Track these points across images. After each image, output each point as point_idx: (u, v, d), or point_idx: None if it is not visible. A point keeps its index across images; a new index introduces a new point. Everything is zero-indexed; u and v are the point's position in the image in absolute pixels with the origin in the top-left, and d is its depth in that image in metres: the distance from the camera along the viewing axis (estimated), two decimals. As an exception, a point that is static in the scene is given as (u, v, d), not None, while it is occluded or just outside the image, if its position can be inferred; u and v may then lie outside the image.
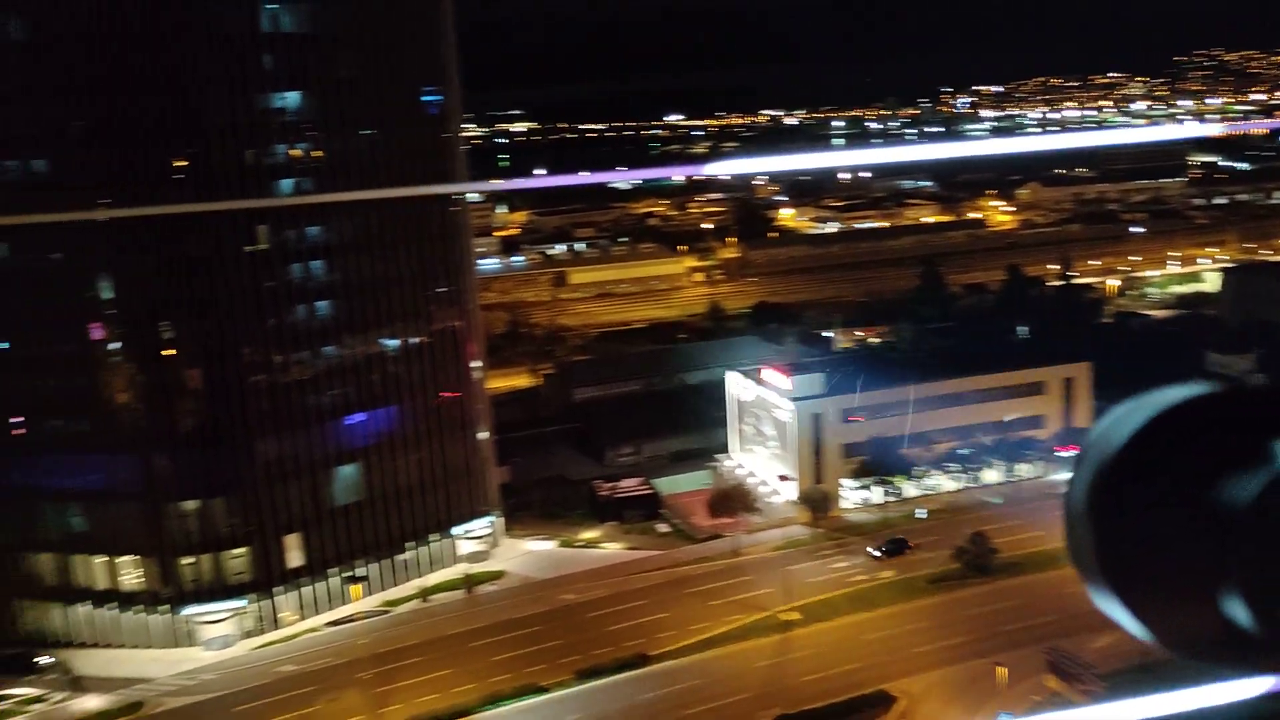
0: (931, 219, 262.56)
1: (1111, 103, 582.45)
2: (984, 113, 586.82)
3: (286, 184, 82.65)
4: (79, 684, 74.87)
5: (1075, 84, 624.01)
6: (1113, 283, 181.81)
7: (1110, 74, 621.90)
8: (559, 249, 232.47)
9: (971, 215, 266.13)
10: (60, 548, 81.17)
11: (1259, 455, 1.47)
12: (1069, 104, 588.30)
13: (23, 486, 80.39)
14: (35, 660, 78.23)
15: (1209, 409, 1.53)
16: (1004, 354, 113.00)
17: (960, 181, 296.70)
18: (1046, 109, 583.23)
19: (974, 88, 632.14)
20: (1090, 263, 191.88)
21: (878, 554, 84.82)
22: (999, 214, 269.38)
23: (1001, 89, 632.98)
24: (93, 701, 72.88)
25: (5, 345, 79.42)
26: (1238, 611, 1.46)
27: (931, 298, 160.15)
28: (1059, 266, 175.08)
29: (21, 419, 79.88)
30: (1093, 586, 1.54)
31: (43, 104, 75.22)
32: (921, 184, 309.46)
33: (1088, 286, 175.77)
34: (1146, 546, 1.49)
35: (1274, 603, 1.43)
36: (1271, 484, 1.45)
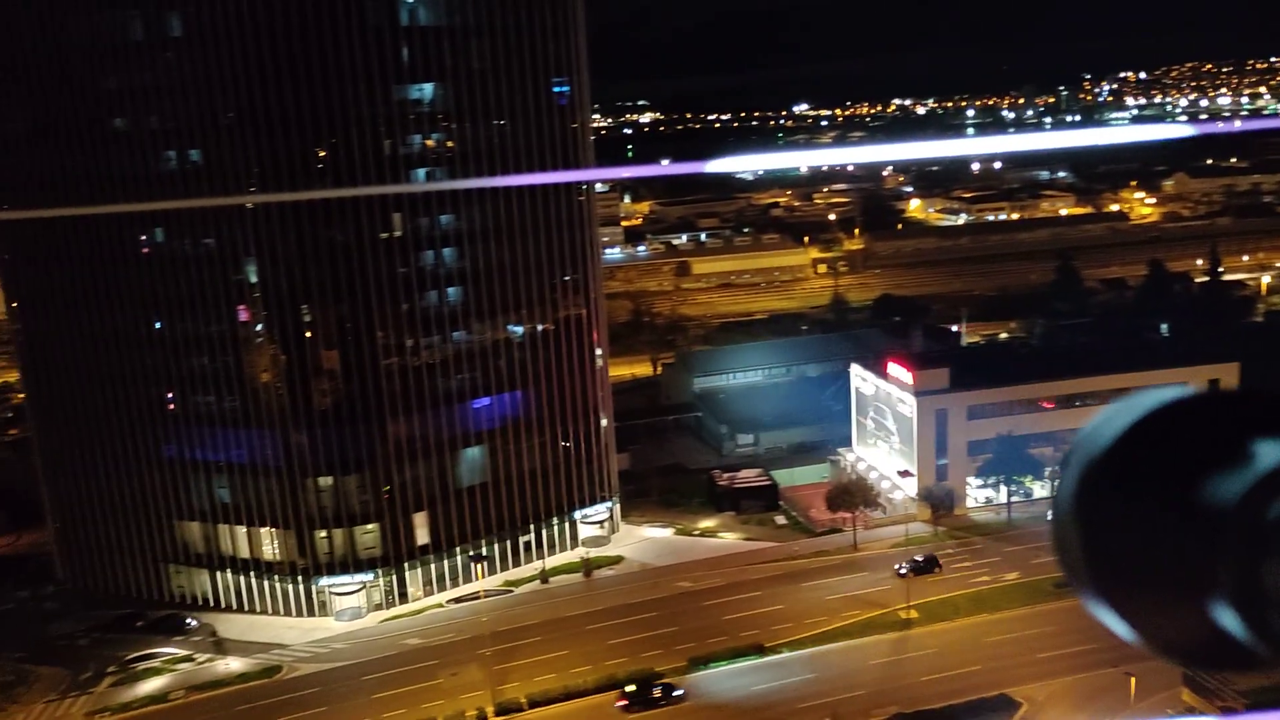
0: (1067, 211, 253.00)
1: (1267, 89, 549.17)
2: (1128, 100, 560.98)
3: (420, 173, 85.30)
4: (222, 646, 79.26)
5: (1229, 69, 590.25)
6: (1266, 280, 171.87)
7: (1272, 58, 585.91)
8: (682, 239, 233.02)
9: (1112, 207, 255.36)
10: (208, 517, 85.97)
11: (1242, 456, 1.47)
12: (1223, 90, 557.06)
13: (174, 458, 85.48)
14: (184, 622, 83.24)
15: (1192, 411, 1.53)
16: (1143, 353, 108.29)
17: (1100, 172, 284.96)
18: (1197, 96, 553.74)
19: (1119, 74, 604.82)
20: (1241, 258, 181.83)
21: (903, 572, 79.87)
22: (1141, 206, 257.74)
23: (1147, 75, 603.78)
24: (235, 663, 77.09)
25: (159, 325, 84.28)
26: (1224, 614, 1.46)
27: (1066, 292, 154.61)
28: (1206, 262, 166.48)
29: (173, 394, 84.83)
30: (1080, 590, 1.55)
31: (197, 96, 79.40)
32: (1058, 175, 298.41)
33: (1238, 283, 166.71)
34: (1132, 549, 1.50)
35: (1260, 604, 1.43)
36: (1254, 485, 1.45)
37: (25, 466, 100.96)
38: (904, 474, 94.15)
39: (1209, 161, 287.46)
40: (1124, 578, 1.49)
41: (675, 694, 67.96)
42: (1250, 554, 1.40)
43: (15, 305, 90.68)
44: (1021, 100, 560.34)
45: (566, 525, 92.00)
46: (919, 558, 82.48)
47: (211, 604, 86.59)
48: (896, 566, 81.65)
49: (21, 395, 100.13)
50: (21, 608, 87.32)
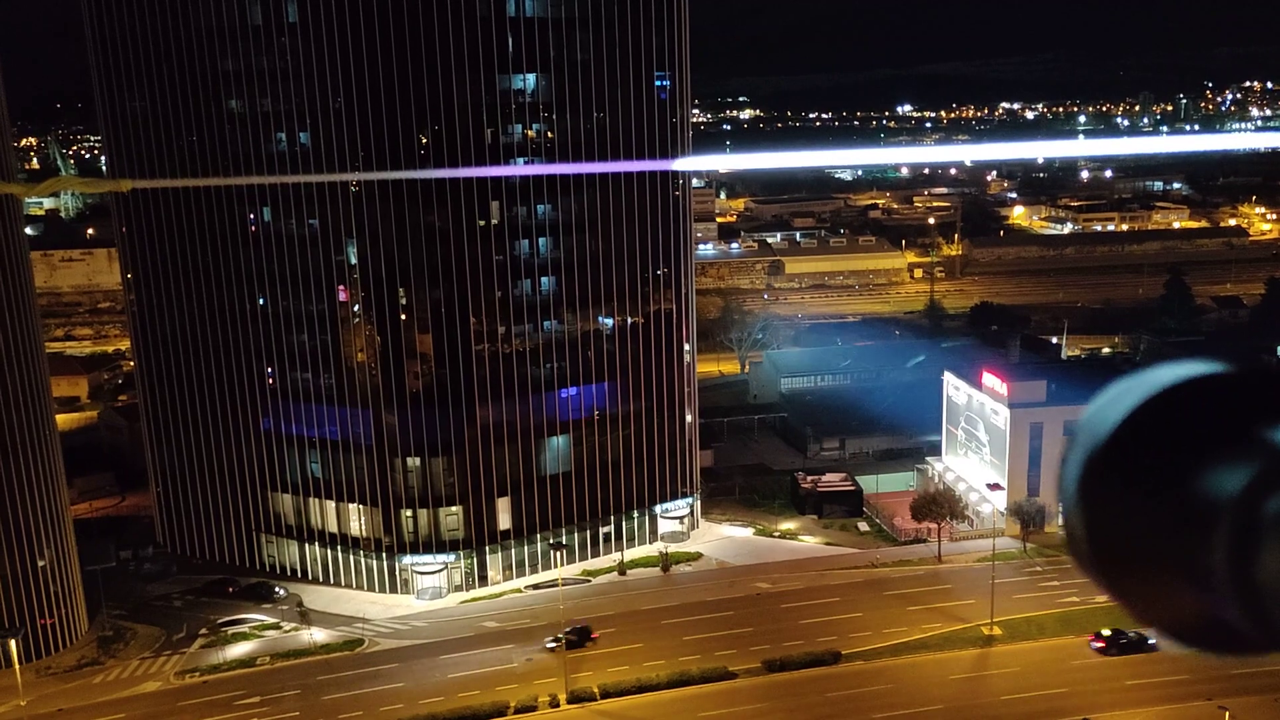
0: (1181, 224, 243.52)
1: None
2: (1252, 110, 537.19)
3: (520, 161, 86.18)
4: (307, 616, 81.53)
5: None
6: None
7: None
8: (777, 237, 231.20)
9: (1229, 221, 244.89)
10: (300, 490, 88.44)
11: (1248, 443, 1.45)
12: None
13: (270, 431, 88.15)
14: (273, 590, 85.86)
15: (1199, 393, 1.51)
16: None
17: (1218, 185, 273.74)
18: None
19: (1244, 83, 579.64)
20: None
21: (551, 646, 72.09)
22: (1262, 221, 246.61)
23: (1274, 85, 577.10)
24: (319, 634, 79.20)
25: (263, 301, 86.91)
26: (1226, 601, 1.45)
27: (1176, 309, 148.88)
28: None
29: (272, 369, 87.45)
30: (1086, 573, 1.54)
31: (309, 80, 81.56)
32: (1173, 186, 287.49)
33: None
34: (1135, 535, 1.49)
35: (1258, 594, 1.42)
36: (1260, 475, 1.43)
37: (132, 432, 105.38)
38: (994, 487, 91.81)
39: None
40: (1127, 564, 1.50)
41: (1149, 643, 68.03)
42: (1248, 544, 1.41)
43: (130, 277, 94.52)
44: (1138, 108, 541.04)
45: (646, 519, 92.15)
46: (571, 629, 73.84)
47: (299, 575, 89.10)
48: (546, 640, 73.33)
49: (132, 363, 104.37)
50: (123, 568, 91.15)
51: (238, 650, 77.48)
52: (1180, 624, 1.52)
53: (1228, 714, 61.39)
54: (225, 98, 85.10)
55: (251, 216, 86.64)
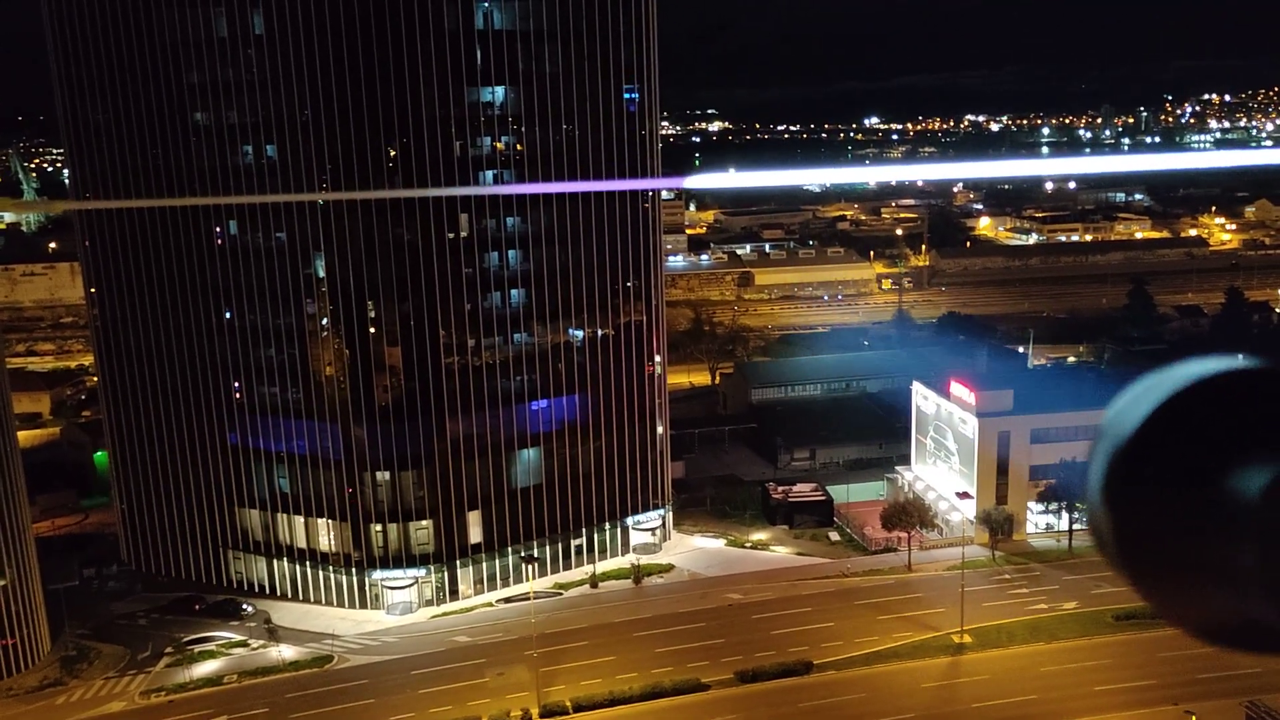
0: (1144, 234, 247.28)
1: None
2: (1211, 122, 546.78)
3: (489, 175, 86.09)
4: (275, 634, 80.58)
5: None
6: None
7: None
8: (746, 249, 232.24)
9: (1190, 232, 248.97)
10: (267, 506, 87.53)
11: (1274, 440, 1.45)
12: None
13: (238, 446, 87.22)
14: (241, 608, 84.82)
15: (1225, 390, 1.53)
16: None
17: (1178, 196, 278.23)
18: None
19: (1202, 96, 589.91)
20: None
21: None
22: (1221, 232, 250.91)
23: (1232, 98, 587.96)
24: (287, 651, 78.29)
25: (229, 315, 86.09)
26: (1252, 600, 1.45)
27: (1139, 318, 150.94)
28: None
29: (239, 384, 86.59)
30: (1114, 571, 1.55)
31: (275, 93, 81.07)
32: (1135, 197, 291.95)
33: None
34: (1162, 533, 1.48)
35: None
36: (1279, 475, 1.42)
37: (96, 447, 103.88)
38: (963, 495, 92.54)
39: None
40: (1154, 563, 1.48)
41: None
42: (1275, 538, 1.40)
43: (93, 291, 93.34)
44: (1099, 120, 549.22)
45: (618, 531, 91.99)
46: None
47: (267, 591, 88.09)
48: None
49: (95, 379, 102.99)
50: (86, 586, 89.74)
51: (204, 669, 76.41)
52: (1209, 622, 1.50)
53: (1194, 718, 62.09)
54: (190, 110, 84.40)
55: (218, 230, 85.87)
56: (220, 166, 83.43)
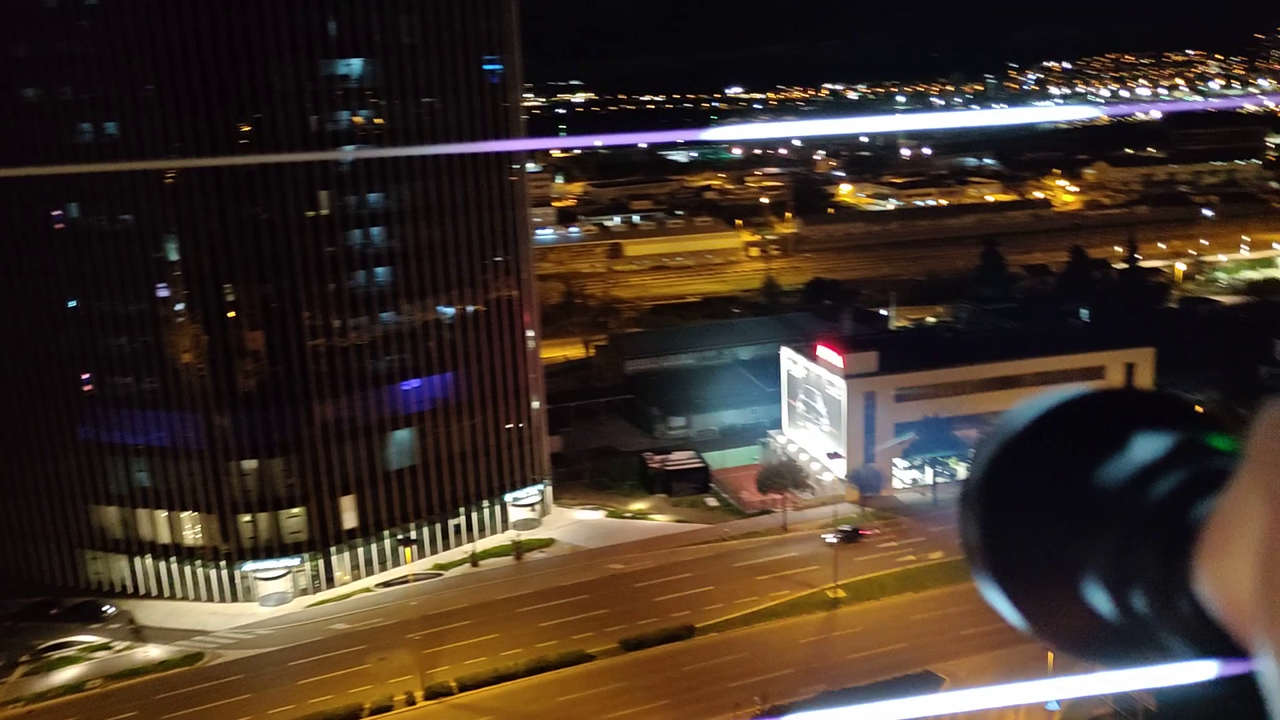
0: (994, 197, 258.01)
1: (1184, 81, 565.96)
2: (1052, 89, 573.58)
3: (349, 150, 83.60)
4: (141, 634, 77.30)
5: (1148, 61, 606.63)
6: (1180, 267, 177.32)
7: (1187, 51, 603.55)
8: (615, 220, 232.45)
9: (1035, 194, 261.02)
10: (125, 501, 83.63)
11: (1127, 447, 1.52)
12: (1141, 82, 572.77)
13: (90, 441, 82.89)
14: (101, 609, 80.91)
15: (1087, 407, 1.57)
16: (1065, 337, 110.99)
17: (1024, 160, 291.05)
18: (1117, 86, 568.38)
19: (1044, 64, 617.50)
20: (1158, 246, 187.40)
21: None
22: (1064, 194, 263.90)
23: (1071, 66, 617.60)
24: (155, 651, 75.25)
25: (73, 303, 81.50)
26: (1099, 600, 1.48)
27: (991, 278, 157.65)
28: (1124, 249, 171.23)
29: (89, 375, 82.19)
30: (978, 577, 1.56)
31: (114, 66, 76.69)
32: (985, 162, 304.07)
33: (1154, 271, 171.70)
34: (1022, 535, 1.53)
35: (1126, 585, 1.45)
36: (1131, 475, 1.49)
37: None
38: (833, 456, 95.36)
39: (1128, 151, 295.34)
40: (1012, 561, 1.53)
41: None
42: (1122, 538, 1.45)
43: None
44: (951, 87, 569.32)
45: (497, 508, 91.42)
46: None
47: (130, 591, 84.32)
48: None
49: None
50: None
51: (65, 675, 72.75)
52: (1062, 624, 1.53)
53: (1050, 654, 65.82)
54: (19, 86, 79.14)
55: (58, 212, 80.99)
56: (57, 146, 78.47)
